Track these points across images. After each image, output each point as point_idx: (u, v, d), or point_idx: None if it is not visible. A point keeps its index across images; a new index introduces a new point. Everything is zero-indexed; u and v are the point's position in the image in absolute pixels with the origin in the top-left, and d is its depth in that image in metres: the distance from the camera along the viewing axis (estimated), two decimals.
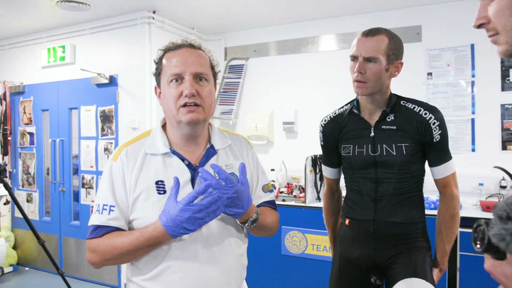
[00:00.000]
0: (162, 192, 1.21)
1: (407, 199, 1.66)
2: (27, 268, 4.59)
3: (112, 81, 3.93)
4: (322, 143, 1.88)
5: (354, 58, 1.60)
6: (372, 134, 1.67)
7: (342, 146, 1.76)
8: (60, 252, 4.37)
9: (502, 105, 3.36)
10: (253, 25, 4.29)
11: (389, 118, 1.66)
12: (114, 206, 1.19)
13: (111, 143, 3.97)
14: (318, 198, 3.67)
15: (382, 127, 1.66)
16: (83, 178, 4.19)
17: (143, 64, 3.77)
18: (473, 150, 3.45)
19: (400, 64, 1.63)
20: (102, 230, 1.18)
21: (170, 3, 3.62)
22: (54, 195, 4.42)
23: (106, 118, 3.99)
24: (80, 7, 3.57)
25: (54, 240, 4.39)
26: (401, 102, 1.67)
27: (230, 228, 1.28)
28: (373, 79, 1.56)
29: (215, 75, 1.32)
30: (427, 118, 1.60)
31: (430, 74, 3.60)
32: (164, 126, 1.34)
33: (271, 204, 1.44)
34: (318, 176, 3.74)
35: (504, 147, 3.37)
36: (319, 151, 3.81)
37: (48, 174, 4.49)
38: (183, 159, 1.26)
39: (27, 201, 4.60)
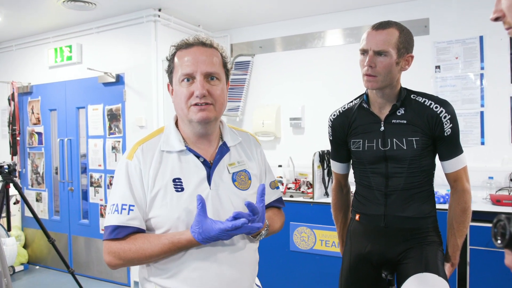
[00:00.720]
0: (180, 189, 1.21)
1: (417, 193, 1.64)
2: (37, 267, 4.63)
3: (119, 79, 3.94)
4: (330, 138, 1.87)
5: (364, 51, 1.58)
6: (382, 128, 1.65)
7: (351, 140, 1.74)
8: (70, 251, 4.40)
9: None
10: (258, 21, 4.28)
11: (399, 112, 1.64)
12: (133, 206, 1.18)
13: (119, 141, 3.98)
14: (326, 194, 3.66)
15: (392, 121, 1.64)
16: (91, 177, 4.21)
17: (149, 62, 3.77)
18: (482, 143, 3.42)
19: (410, 58, 1.61)
20: (123, 231, 1.17)
21: (176, 0, 3.61)
22: (63, 194, 4.45)
23: (114, 117, 4.00)
24: (86, 6, 3.58)
25: (63, 238, 4.43)
26: (411, 96, 1.65)
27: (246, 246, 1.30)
28: (383, 73, 1.55)
29: (227, 72, 1.31)
30: (438, 112, 1.58)
31: (438, 67, 3.56)
32: (177, 123, 1.33)
33: (279, 202, 1.48)
34: (326, 171, 3.73)
35: None
36: (326, 147, 3.83)
37: (56, 173, 4.52)
38: (198, 156, 1.26)
39: (37, 200, 4.64)
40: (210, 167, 1.26)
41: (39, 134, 4.60)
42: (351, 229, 1.82)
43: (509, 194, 3.22)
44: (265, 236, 1.33)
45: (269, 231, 1.34)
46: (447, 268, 1.65)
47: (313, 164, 3.53)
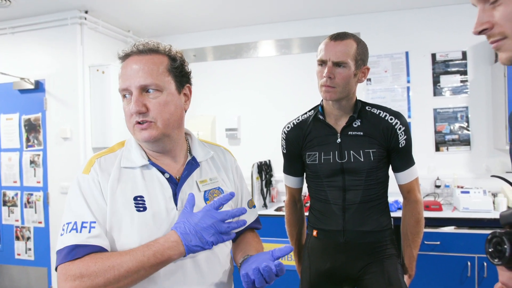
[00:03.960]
0: (141, 209, 1.06)
1: (375, 206, 1.64)
2: None
3: (39, 86, 3.56)
4: (284, 151, 1.80)
5: (322, 62, 1.56)
6: (339, 140, 1.63)
7: (307, 153, 1.69)
8: None
9: (435, 109, 3.58)
10: (192, 29, 4.16)
11: (355, 124, 1.63)
12: (94, 222, 1.02)
13: (39, 155, 3.59)
14: (265, 205, 3.62)
15: (349, 133, 1.63)
16: (4, 195, 3.73)
17: (75, 68, 3.44)
18: None
19: (367, 70, 1.61)
20: (81, 251, 0.98)
21: (103, 2, 3.36)
22: None
23: (32, 128, 3.60)
24: None
25: None
26: (367, 108, 1.66)
27: (218, 252, 1.19)
28: (342, 84, 1.53)
29: (180, 77, 1.15)
30: (393, 124, 1.60)
31: (369, 80, 3.72)
32: None
33: (257, 222, 1.38)
34: (264, 182, 3.70)
35: (437, 149, 3.58)
36: (263, 157, 3.81)
37: None
38: (163, 172, 1.12)
39: None
40: (176, 184, 1.13)
41: None
42: (309, 246, 1.76)
43: (435, 199, 3.44)
44: None
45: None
46: (406, 280, 1.67)
47: (252, 176, 3.48)
